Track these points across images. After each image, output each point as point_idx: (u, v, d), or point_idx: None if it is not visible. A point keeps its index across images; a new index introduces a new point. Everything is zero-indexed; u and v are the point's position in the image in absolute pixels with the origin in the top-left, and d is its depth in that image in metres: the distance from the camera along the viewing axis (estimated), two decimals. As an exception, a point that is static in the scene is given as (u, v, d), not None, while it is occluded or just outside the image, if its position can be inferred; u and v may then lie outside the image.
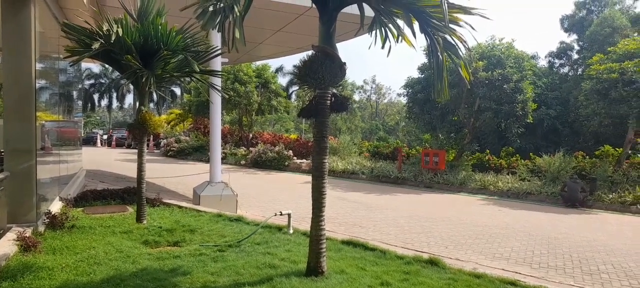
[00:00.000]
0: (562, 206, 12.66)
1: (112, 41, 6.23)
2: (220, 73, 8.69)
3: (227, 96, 21.56)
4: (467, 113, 17.03)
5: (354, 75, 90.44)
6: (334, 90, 4.88)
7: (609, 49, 15.45)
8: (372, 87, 60.09)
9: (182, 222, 7.50)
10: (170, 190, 12.44)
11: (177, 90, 57.04)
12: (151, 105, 50.77)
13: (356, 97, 57.05)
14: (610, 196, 12.76)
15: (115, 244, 5.99)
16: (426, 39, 4.56)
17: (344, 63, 4.73)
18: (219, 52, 7.84)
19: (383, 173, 17.69)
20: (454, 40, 4.51)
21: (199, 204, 9.54)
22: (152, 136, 32.63)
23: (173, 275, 4.87)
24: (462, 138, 18.23)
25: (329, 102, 4.82)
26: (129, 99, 59.95)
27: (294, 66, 5.06)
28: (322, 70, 4.58)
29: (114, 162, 22.01)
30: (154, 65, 6.82)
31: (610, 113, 14.21)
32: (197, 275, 4.89)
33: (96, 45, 6.12)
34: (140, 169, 7.34)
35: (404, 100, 20.78)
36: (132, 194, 9.07)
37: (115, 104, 62.33)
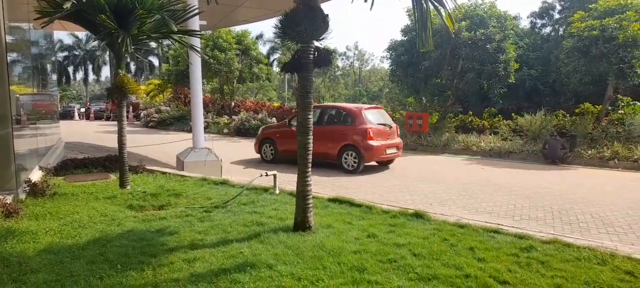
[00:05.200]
0: (543, 163, 12.91)
1: (84, 0, 5.98)
2: (199, 33, 8.47)
3: (207, 56, 21.16)
4: (450, 75, 17.05)
5: (336, 41, 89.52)
6: (317, 44, 4.80)
7: (590, 6, 15.50)
8: (354, 54, 59.65)
9: (166, 187, 7.44)
10: (153, 158, 12.29)
11: (155, 61, 55.84)
12: (129, 77, 49.63)
13: (339, 63, 56.64)
14: (590, 152, 13.05)
15: (99, 209, 5.92)
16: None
17: (327, 15, 4.63)
18: (197, 11, 7.62)
19: (367, 137, 17.70)
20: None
21: (183, 170, 9.45)
22: (131, 107, 32.12)
23: (160, 235, 4.85)
24: (445, 100, 18.30)
25: (312, 56, 4.74)
26: (106, 71, 58.51)
27: (277, 19, 4.96)
28: (305, 22, 4.49)
29: (94, 133, 21.60)
30: (129, 26, 6.60)
31: (590, 70, 14.38)
32: (185, 234, 4.87)
33: (68, 5, 5.89)
34: (121, 134, 7.19)
35: (387, 64, 20.71)
36: (114, 162, 8.94)
37: (91, 76, 60.79)
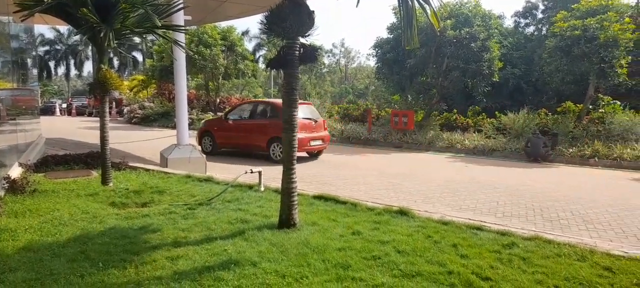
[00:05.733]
0: (526, 161, 13.10)
1: (65, -7, 5.87)
2: (183, 28, 8.38)
3: (191, 52, 20.95)
4: (435, 73, 17.17)
5: (322, 39, 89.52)
6: (303, 40, 4.78)
7: (572, 6, 15.74)
8: (341, 51, 59.71)
9: (149, 184, 7.35)
10: (136, 155, 12.12)
11: (139, 56, 55.11)
12: (112, 72, 48.90)
13: (325, 60, 56.62)
14: (571, 150, 13.28)
15: (80, 206, 5.82)
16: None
17: (312, 11, 4.62)
18: (181, 5, 7.53)
19: (353, 134, 17.79)
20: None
21: (166, 167, 9.35)
22: (114, 103, 31.69)
23: (143, 232, 4.79)
24: (430, 98, 18.43)
25: (297, 52, 4.72)
26: (88, 66, 57.63)
27: (262, 15, 4.93)
28: (290, 18, 4.47)
29: (76, 129, 21.24)
30: (112, 20, 6.49)
31: (572, 70, 14.61)
32: (168, 231, 4.82)
33: (48, -2, 5.76)
34: (103, 130, 7.09)
35: (372, 61, 20.77)
36: (96, 158, 8.81)
37: (73, 71, 59.71)
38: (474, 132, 16.64)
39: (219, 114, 22.49)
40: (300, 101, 14.24)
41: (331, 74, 58.71)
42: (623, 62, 14.19)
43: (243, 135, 12.43)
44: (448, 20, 16.07)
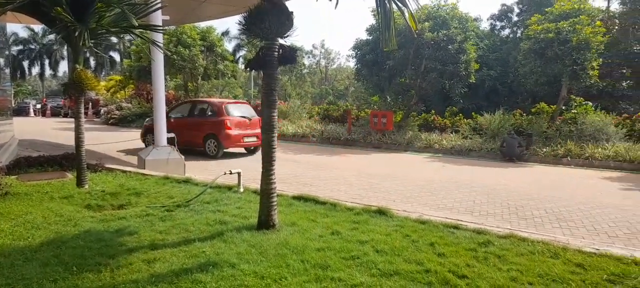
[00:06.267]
0: (502, 161, 13.35)
1: (38, -9, 5.74)
2: (161, 28, 8.27)
3: (169, 52, 20.71)
4: (413, 74, 17.35)
5: (302, 40, 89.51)
6: (282, 42, 4.78)
7: (546, 9, 16.13)
8: (321, 52, 59.76)
9: (126, 186, 7.24)
10: (113, 156, 11.94)
11: (117, 56, 54.13)
12: (88, 72, 47.85)
13: (305, 61, 56.60)
14: (544, 150, 13.60)
15: (54, 209, 5.70)
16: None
17: (292, 12, 4.62)
18: (159, 5, 7.44)
19: (333, 135, 17.85)
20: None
21: (144, 168, 9.22)
22: (91, 104, 31.06)
23: (119, 235, 4.72)
24: (409, 99, 18.63)
25: (276, 53, 4.72)
26: (64, 66, 56.33)
27: (241, 16, 4.91)
28: (269, 19, 4.47)
29: (51, 130, 20.74)
30: (87, 19, 6.38)
31: (545, 71, 14.96)
32: (145, 234, 4.76)
33: (21, -4, 5.62)
34: (78, 131, 6.95)
35: (352, 63, 20.87)
36: (71, 160, 8.62)
37: (48, 71, 58.25)
38: (452, 133, 16.89)
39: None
40: (236, 100, 15.12)
41: (311, 74, 58.72)
42: (594, 64, 14.61)
43: (182, 132, 12.72)
44: (426, 23, 16.27)
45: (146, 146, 13.17)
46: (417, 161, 13.20)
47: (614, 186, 9.60)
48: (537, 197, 8.16)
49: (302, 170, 10.57)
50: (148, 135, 13.80)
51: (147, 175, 8.32)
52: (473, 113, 17.61)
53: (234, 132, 12.58)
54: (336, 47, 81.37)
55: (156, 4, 7.41)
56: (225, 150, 12.71)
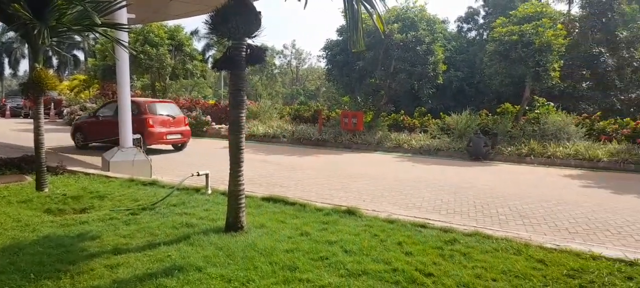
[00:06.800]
0: (468, 160, 13.66)
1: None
2: (126, 27, 8.06)
3: (135, 51, 20.23)
4: (383, 75, 17.53)
5: (273, 40, 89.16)
6: (250, 42, 4.73)
7: (510, 12, 16.59)
8: (292, 52, 59.69)
9: (89, 189, 7.01)
10: (76, 159, 11.56)
11: (81, 55, 52.46)
12: (50, 71, 46.22)
13: (276, 62, 56.42)
14: (509, 149, 14.00)
15: (11, 214, 5.46)
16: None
17: (259, 12, 4.58)
18: (124, 3, 7.25)
19: (304, 135, 17.84)
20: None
21: (108, 171, 8.96)
22: (53, 104, 29.99)
23: (80, 240, 4.56)
24: (379, 100, 18.81)
25: (244, 53, 4.67)
26: (25, 65, 54.17)
27: (208, 15, 4.83)
28: (236, 19, 4.41)
29: (9, 132, 19.91)
30: (47, 16, 6.15)
31: (510, 73, 15.39)
32: (108, 238, 4.62)
33: (-26, -9, 5.36)
34: (37, 133, 6.69)
35: (323, 63, 20.90)
36: (31, 163, 8.29)
37: (7, 70, 55.88)
38: (420, 133, 17.16)
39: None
40: (161, 100, 15.71)
41: (283, 75, 58.62)
42: (556, 66, 15.14)
43: (109, 130, 13.05)
44: (395, 24, 16.46)
45: (76, 146, 14.32)
46: (387, 161, 13.34)
47: (574, 184, 9.96)
48: (502, 195, 8.37)
49: (272, 171, 10.51)
50: (77, 134, 14.55)
51: (111, 177, 8.10)
52: (441, 113, 17.94)
53: (156, 129, 13.27)
54: (307, 47, 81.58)
55: (121, 1, 7.21)
56: (148, 146, 12.98)
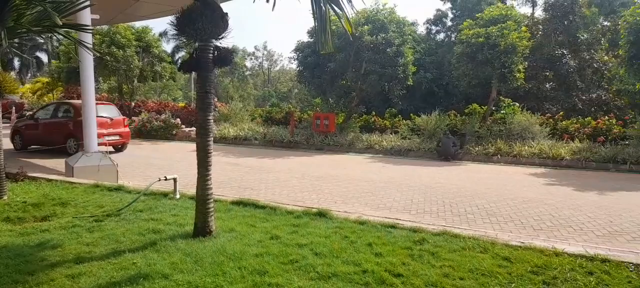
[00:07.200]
0: (438, 160, 13.88)
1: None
2: (90, 28, 7.82)
3: (98, 53, 19.69)
4: (354, 77, 17.64)
5: (245, 41, 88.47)
6: (217, 43, 4.67)
7: (477, 15, 16.97)
8: (263, 54, 59.34)
9: (51, 196, 6.77)
10: (37, 164, 11.15)
11: (44, 57, 50.68)
12: (12, 73, 44.50)
13: (247, 63, 56.00)
14: (477, 149, 14.31)
15: (-34, 224, 5.20)
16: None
17: (226, 13, 4.53)
18: (87, 3, 7.03)
19: (276, 137, 17.75)
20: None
21: (72, 176, 8.67)
22: (14, 108, 28.85)
23: (40, 249, 4.39)
24: (350, 101, 18.91)
25: (211, 55, 4.60)
26: (-17, 66, 51.89)
27: (173, 16, 4.73)
28: (202, 20, 4.34)
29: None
30: (4, 17, 5.89)
31: (477, 74, 15.73)
32: (70, 247, 4.47)
33: None
34: (-6, 138, 6.41)
35: (295, 65, 20.85)
36: (-12, 169, 7.92)
37: (-36, 72, 53.46)
38: (391, 134, 17.35)
39: (134, 118, 21.43)
40: (99, 102, 16.12)
41: (254, 76, 58.16)
42: (520, 67, 15.57)
43: (46, 132, 13.91)
44: (365, 26, 16.58)
45: (15, 149, 14.47)
46: (359, 162, 13.41)
47: (539, 182, 10.26)
48: (470, 194, 8.53)
49: (243, 174, 10.41)
50: (16, 136, 14.75)
51: (75, 183, 7.84)
52: (411, 114, 18.18)
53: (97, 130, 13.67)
54: (279, 48, 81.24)
55: (83, 2, 6.99)
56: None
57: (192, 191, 6.72)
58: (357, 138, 16.77)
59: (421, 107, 20.57)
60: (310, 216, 5.80)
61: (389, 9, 17.69)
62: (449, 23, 27.39)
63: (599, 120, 15.39)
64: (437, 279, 3.84)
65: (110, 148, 13.76)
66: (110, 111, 14.75)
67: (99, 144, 13.67)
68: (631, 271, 4.11)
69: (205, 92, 4.64)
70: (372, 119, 19.20)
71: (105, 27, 21.59)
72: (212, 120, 4.77)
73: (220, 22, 4.48)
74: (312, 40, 18.58)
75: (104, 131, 13.62)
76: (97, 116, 13.32)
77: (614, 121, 14.98)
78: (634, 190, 9.32)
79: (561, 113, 17.18)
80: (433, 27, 28.28)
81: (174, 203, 6.35)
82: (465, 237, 4.99)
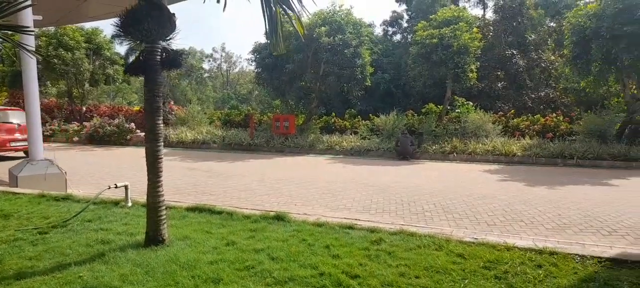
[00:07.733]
0: (397, 159, 14.09)
1: None
2: (31, 30, 7.39)
3: (41, 56, 18.77)
4: (313, 78, 17.66)
5: (202, 43, 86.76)
6: (165, 45, 4.51)
7: (431, 16, 17.37)
8: (222, 55, 58.50)
9: (-9, 208, 6.35)
10: (-21, 174, 10.46)
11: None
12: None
13: (205, 65, 55.05)
14: (434, 147, 14.63)
15: None
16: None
17: (173, 14, 4.38)
18: (28, 3, 6.63)
19: (235, 141, 17.50)
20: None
21: (16, 186, 8.19)
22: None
23: (-25, 267, 4.08)
24: (310, 102, 18.92)
25: (159, 57, 4.44)
26: None
27: (117, 17, 4.52)
28: (148, 21, 4.19)
29: None
30: None
31: (432, 74, 16.12)
32: (10, 262, 4.19)
33: None
34: None
35: (252, 66, 20.62)
36: None
37: None
38: (351, 134, 17.49)
39: (85, 123, 20.57)
40: (5, 107, 16.02)
41: (213, 79, 57.22)
42: (473, 67, 16.07)
43: None
44: (322, 27, 16.63)
45: None
46: (319, 163, 13.41)
47: (493, 178, 10.59)
48: (428, 191, 8.69)
49: (201, 179, 10.17)
50: None
51: (19, 194, 7.39)
52: (370, 115, 18.39)
53: (1, 136, 13.69)
54: (238, 50, 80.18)
55: (23, 1, 6.60)
56: None
57: (144, 199, 6.50)
58: (317, 139, 16.79)
59: (380, 107, 20.85)
60: (268, 220, 5.71)
61: (346, 11, 17.83)
62: (405, 24, 27.92)
63: (548, 118, 16.10)
64: (393, 279, 3.85)
65: (22, 154, 13.87)
66: (17, 117, 14.61)
67: (7, 150, 13.72)
68: (577, 262, 4.29)
69: (153, 95, 4.48)
70: (332, 120, 19.29)
71: (51, 29, 20.62)
72: (161, 124, 4.60)
73: (167, 23, 4.34)
74: (269, 41, 18.45)
75: (9, 137, 13.82)
76: (3, 122, 13.85)
77: (561, 118, 15.72)
78: (580, 183, 9.79)
79: (512, 111, 17.86)
80: (390, 28, 28.76)
81: (125, 212, 6.10)
82: (422, 235, 5.05)
